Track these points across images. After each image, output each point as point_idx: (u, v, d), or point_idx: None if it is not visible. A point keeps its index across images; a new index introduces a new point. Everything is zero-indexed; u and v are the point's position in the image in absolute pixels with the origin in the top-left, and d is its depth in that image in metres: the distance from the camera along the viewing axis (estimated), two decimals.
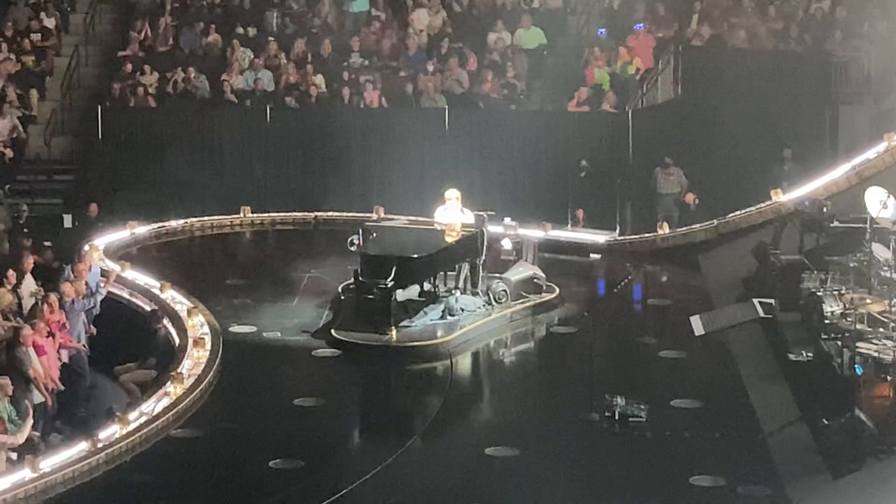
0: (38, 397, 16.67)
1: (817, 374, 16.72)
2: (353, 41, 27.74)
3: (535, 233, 22.32)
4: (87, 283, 19.05)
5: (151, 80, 27.08)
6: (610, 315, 20.38)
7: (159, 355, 18.62)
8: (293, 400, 16.97)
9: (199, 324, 18.94)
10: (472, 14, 28.71)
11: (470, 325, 19.20)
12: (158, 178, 25.59)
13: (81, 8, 29.35)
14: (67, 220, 25.19)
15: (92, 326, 19.10)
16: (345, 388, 18.05)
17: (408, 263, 18.90)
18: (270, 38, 27.85)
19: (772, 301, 19.14)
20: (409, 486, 14.82)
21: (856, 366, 15.69)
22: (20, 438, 15.16)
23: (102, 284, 19.46)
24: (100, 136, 26.22)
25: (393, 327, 18.71)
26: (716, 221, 22.77)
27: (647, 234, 23.50)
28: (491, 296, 19.73)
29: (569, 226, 23.88)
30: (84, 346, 18.64)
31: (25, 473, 14.60)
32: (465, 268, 19.84)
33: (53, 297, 18.10)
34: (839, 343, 16.24)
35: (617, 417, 16.12)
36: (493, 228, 20.54)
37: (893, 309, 16.98)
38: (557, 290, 20.54)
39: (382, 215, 22.98)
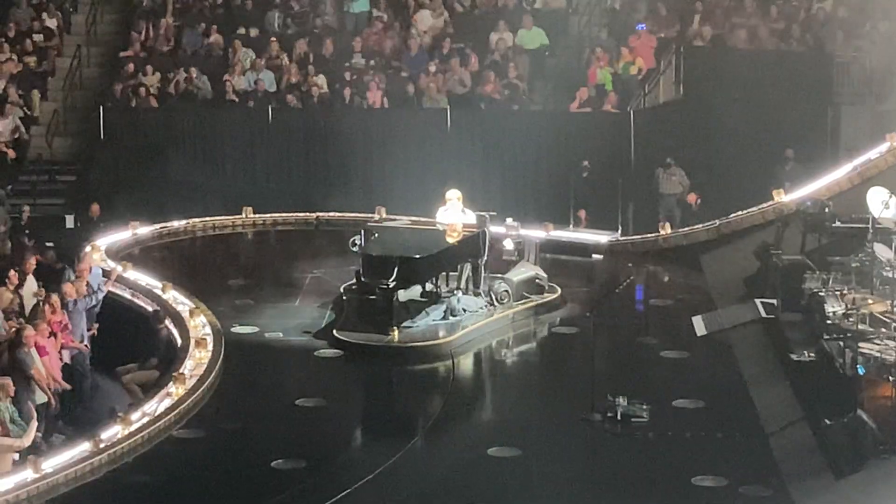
0: (40, 398, 16.68)
1: (819, 374, 16.71)
2: (355, 42, 27.75)
3: (536, 233, 22.31)
4: (87, 283, 19.04)
5: (153, 80, 27.10)
6: (612, 315, 20.37)
7: (161, 356, 18.63)
8: (295, 400, 16.97)
9: (200, 324, 18.95)
10: (473, 14, 28.72)
11: (472, 325, 19.19)
12: (160, 179, 25.65)
13: (83, 8, 29.39)
14: (69, 221, 25.24)
15: (95, 324, 19.09)
16: (347, 389, 18.06)
17: (410, 264, 18.90)
18: (272, 39, 27.85)
19: (774, 301, 19.13)
20: (411, 487, 14.82)
21: (858, 366, 15.66)
22: (26, 442, 15.15)
23: (104, 282, 19.47)
24: (101, 137, 26.25)
25: (395, 328, 18.70)
26: (718, 222, 22.75)
27: (648, 235, 23.49)
28: (493, 296, 19.73)
29: (571, 226, 23.88)
30: (86, 346, 18.64)
31: (28, 474, 14.61)
32: (467, 268, 19.84)
33: (55, 298, 18.11)
34: (841, 343, 16.22)
35: (619, 418, 16.12)
36: (494, 229, 20.53)
37: (895, 309, 16.97)
38: (559, 290, 20.54)
39: (384, 216, 22.96)
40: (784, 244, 20.26)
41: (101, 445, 15.26)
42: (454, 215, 20.05)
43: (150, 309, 19.73)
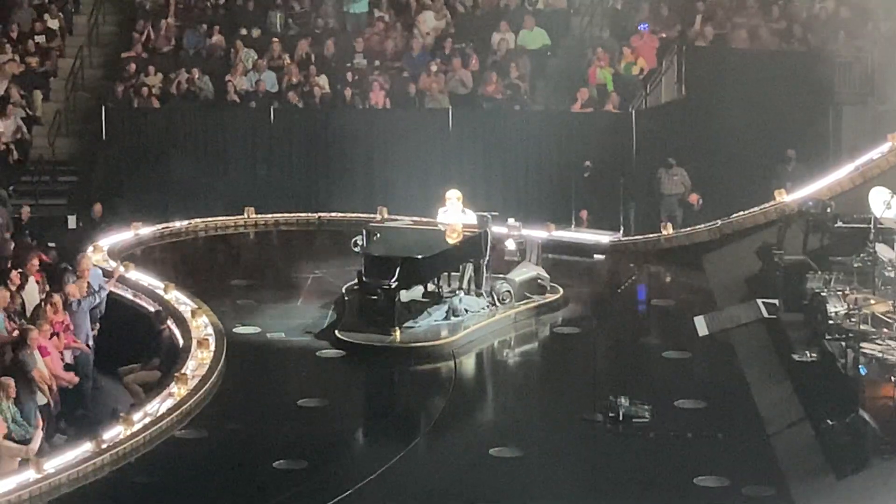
0: (40, 399, 16.68)
1: (821, 374, 16.70)
2: (356, 42, 27.75)
3: (538, 233, 22.31)
4: (88, 284, 19.04)
5: (155, 81, 27.09)
6: (614, 316, 20.38)
7: (163, 356, 18.62)
8: (297, 400, 16.98)
9: (203, 324, 18.96)
10: (475, 15, 28.71)
11: (474, 325, 19.20)
12: (162, 179, 25.65)
13: (85, 9, 29.40)
14: (72, 221, 25.22)
15: (96, 324, 19.10)
16: (349, 389, 18.07)
17: (411, 264, 18.90)
18: (274, 39, 27.86)
19: (775, 301, 19.12)
20: (413, 487, 14.83)
21: (860, 366, 15.66)
22: (34, 447, 15.13)
23: (106, 282, 19.48)
24: (104, 137, 26.22)
25: (397, 328, 18.70)
26: (719, 222, 22.76)
27: (650, 235, 23.50)
28: (495, 296, 19.73)
29: (572, 226, 23.88)
30: (89, 346, 18.64)
31: (30, 474, 14.62)
32: (469, 268, 19.85)
33: (57, 298, 18.10)
34: (843, 343, 16.22)
35: (621, 418, 16.12)
36: (496, 229, 20.54)
37: None
38: (561, 290, 20.54)
39: (386, 216, 22.98)
40: (786, 244, 20.24)
41: (104, 446, 15.28)
42: (454, 216, 20.06)
43: (152, 309, 19.72)
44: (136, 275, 20.98)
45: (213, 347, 18.10)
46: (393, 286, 18.68)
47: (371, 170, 26.02)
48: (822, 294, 17.71)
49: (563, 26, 28.35)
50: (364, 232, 19.92)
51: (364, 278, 19.10)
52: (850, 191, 21.80)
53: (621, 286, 21.77)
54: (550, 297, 20.32)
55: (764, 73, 25.40)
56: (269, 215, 24.66)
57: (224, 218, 24.54)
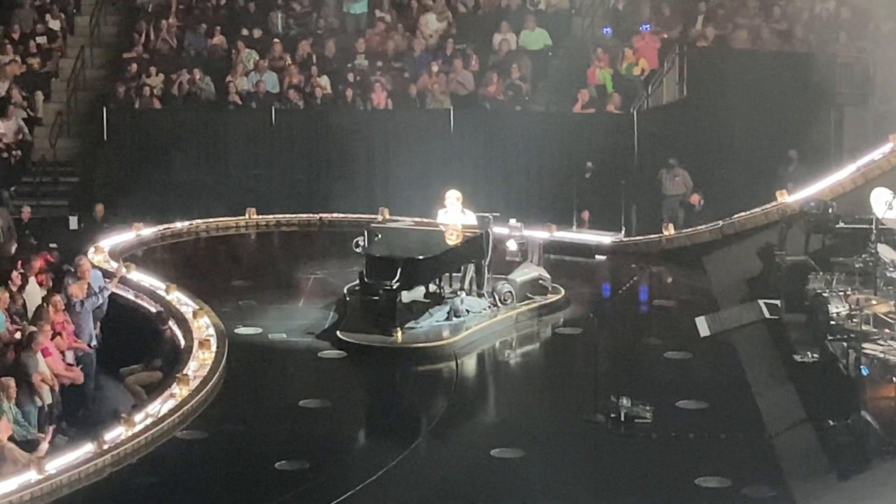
0: (46, 398, 16.69)
1: (823, 375, 16.69)
2: (358, 43, 27.75)
3: (540, 234, 22.29)
4: (88, 285, 19.04)
5: (156, 81, 27.10)
6: (615, 316, 20.37)
7: (165, 357, 18.61)
8: (298, 401, 16.98)
9: (204, 325, 18.95)
10: (476, 15, 28.73)
11: (475, 326, 19.19)
12: (163, 180, 25.66)
13: (87, 10, 29.41)
14: (73, 222, 25.21)
15: (98, 323, 19.10)
16: (350, 390, 18.07)
17: (413, 265, 18.90)
18: (275, 40, 27.86)
19: (777, 302, 19.12)
20: (415, 488, 14.83)
21: (861, 367, 15.65)
22: (41, 452, 15.10)
23: (107, 282, 19.48)
24: (105, 138, 26.25)
25: (398, 328, 18.69)
26: (721, 222, 22.76)
27: (652, 236, 23.50)
28: (496, 297, 19.72)
29: (574, 227, 23.89)
30: (91, 346, 18.64)
31: (31, 475, 14.61)
32: (471, 269, 19.85)
33: (58, 298, 18.11)
34: (845, 344, 16.20)
35: (622, 419, 16.11)
36: (498, 230, 20.53)
37: None
38: (563, 291, 20.54)
39: (387, 216, 22.97)
40: (787, 245, 20.23)
41: (105, 447, 15.26)
42: (454, 216, 20.05)
43: (153, 310, 19.73)
44: (138, 275, 20.99)
45: (214, 348, 18.10)
46: (394, 287, 18.69)
47: (372, 170, 26.03)
48: (824, 295, 17.70)
49: (564, 27, 28.36)
50: (365, 233, 19.92)
51: (365, 279, 19.11)
52: (852, 191, 21.79)
53: (623, 287, 21.76)
54: (552, 298, 20.32)
55: (765, 73, 25.40)
56: (271, 216, 24.67)
57: (225, 219, 24.56)
